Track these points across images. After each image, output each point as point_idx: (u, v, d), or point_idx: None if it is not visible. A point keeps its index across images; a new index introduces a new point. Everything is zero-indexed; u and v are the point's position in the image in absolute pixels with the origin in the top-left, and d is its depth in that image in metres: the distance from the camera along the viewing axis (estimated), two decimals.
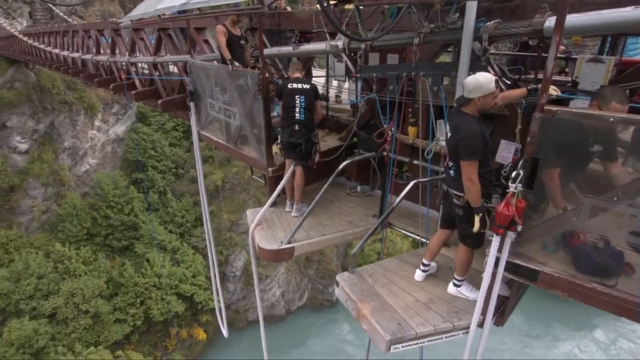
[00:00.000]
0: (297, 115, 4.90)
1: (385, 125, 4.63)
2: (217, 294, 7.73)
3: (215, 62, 6.35)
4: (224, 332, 8.26)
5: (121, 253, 28.62)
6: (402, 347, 3.29)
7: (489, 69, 3.99)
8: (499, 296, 3.42)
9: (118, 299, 25.89)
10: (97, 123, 31.27)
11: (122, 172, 32.00)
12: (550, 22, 3.13)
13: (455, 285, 3.70)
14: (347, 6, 4.66)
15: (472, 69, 3.66)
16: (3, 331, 21.34)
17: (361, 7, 3.87)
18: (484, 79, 3.05)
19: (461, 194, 3.26)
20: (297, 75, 5.20)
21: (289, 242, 4.63)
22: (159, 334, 27.51)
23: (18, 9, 28.25)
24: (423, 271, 3.96)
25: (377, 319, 3.45)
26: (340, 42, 4.73)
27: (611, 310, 2.75)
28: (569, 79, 4.70)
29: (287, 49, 5.59)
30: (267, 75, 4.88)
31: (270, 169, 5.24)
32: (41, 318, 22.50)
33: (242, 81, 5.18)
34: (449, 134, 3.26)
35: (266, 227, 5.04)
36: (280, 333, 30.33)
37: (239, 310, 30.09)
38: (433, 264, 4.03)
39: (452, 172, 3.36)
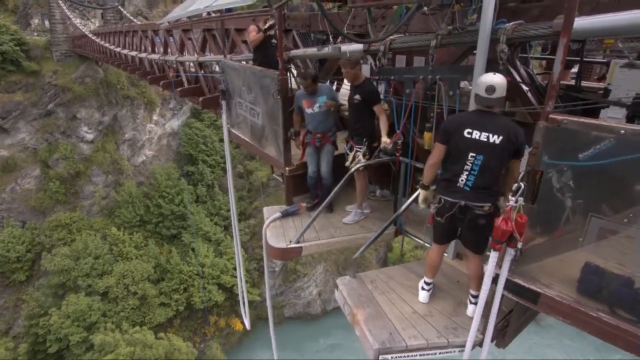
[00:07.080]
0: None
1: (397, 130, 4.51)
2: (241, 287, 7.94)
3: (244, 62, 6.53)
4: (247, 324, 8.46)
5: (169, 241, 30.36)
6: (392, 357, 3.19)
7: (514, 73, 3.77)
8: (501, 315, 3.21)
9: (164, 284, 27.50)
10: (155, 117, 33.38)
11: (175, 164, 33.87)
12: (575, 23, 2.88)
13: (473, 303, 3.42)
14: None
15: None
16: (62, 304, 23.42)
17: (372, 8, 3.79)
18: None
19: (483, 204, 3.01)
20: None
21: (297, 242, 4.64)
22: (199, 321, 28.81)
23: (92, 10, 30.85)
24: (427, 290, 3.70)
25: (369, 326, 3.37)
26: (360, 44, 4.65)
27: (619, 345, 2.48)
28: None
29: (312, 50, 5.60)
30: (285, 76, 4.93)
31: (287, 168, 5.29)
32: (95, 295, 24.50)
33: (265, 81, 5.27)
34: (496, 139, 2.91)
35: (279, 225, 5.09)
36: (313, 331, 30.54)
37: (275, 305, 30.65)
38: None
39: (470, 181, 3.05)
